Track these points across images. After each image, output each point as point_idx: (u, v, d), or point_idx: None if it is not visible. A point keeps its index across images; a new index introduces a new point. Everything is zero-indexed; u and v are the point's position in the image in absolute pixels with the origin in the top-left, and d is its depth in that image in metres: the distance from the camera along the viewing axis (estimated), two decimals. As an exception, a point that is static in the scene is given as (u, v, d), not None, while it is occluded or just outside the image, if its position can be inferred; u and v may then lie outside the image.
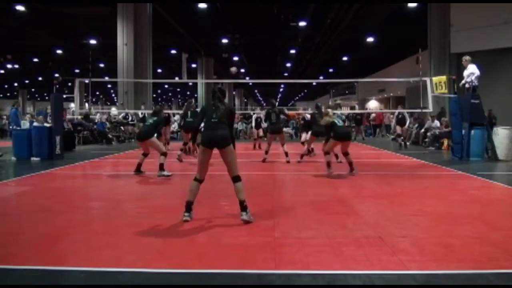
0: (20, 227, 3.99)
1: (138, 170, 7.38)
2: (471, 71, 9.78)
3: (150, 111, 10.79)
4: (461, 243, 3.46)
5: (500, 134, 9.83)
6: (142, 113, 16.25)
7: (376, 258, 3.05)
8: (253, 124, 14.96)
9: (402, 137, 13.45)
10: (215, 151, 4.23)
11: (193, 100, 10.79)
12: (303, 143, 10.85)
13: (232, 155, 4.19)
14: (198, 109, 12.61)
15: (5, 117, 25.48)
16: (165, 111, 13.72)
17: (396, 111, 15.00)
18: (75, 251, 3.29)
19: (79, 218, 4.38)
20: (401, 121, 13.70)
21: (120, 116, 17.97)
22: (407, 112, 14.52)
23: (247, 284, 2.65)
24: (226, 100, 4.50)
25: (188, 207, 4.16)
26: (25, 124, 11.47)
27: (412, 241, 3.49)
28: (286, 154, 9.31)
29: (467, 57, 9.99)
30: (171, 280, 2.73)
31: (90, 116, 16.92)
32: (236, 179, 4.14)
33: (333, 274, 2.76)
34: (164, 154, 7.29)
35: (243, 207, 4.07)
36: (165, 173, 7.13)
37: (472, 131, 9.72)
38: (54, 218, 4.34)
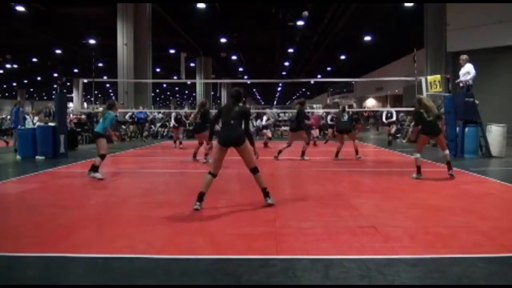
0: (37, 220, 4.23)
1: (96, 169, 6.83)
2: (467, 70, 10.01)
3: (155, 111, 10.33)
4: (449, 232, 3.71)
5: (493, 131, 10.07)
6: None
7: (369, 245, 3.31)
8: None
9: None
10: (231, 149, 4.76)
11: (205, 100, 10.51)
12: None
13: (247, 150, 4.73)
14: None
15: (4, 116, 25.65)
16: (175, 111, 14.48)
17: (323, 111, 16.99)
18: (91, 241, 3.55)
19: (91, 212, 4.63)
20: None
21: (127, 116, 18.20)
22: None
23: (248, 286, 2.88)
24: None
25: (200, 197, 4.60)
26: (28, 124, 11.67)
27: (404, 230, 3.75)
28: (357, 151, 9.81)
29: (465, 56, 10.21)
30: (183, 265, 2.97)
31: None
32: (254, 170, 4.75)
33: (329, 259, 3.01)
34: (102, 156, 6.86)
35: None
36: (98, 175, 6.69)
37: (466, 129, 9.98)
38: (67, 213, 4.58)
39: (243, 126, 4.77)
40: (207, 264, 2.99)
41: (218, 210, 4.66)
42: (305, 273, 2.78)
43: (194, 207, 4.50)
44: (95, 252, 3.18)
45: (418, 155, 6.91)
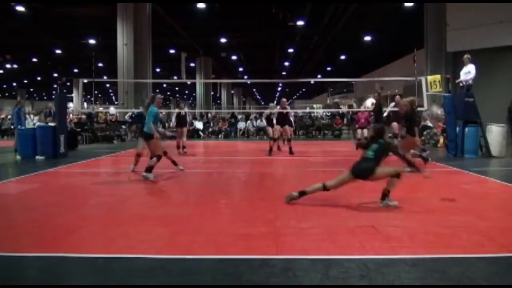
0: (37, 220, 4.23)
1: (149, 170, 6.63)
2: (469, 70, 10.02)
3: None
4: (449, 232, 3.71)
5: (493, 131, 10.08)
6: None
7: (369, 245, 3.31)
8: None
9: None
10: None
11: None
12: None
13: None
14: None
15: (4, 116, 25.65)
16: (182, 110, 11.68)
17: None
18: (91, 241, 3.55)
19: (91, 212, 4.63)
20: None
21: (127, 116, 18.23)
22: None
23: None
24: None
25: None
26: (28, 124, 11.68)
27: (404, 230, 3.74)
28: None
29: (468, 56, 10.22)
30: (182, 265, 2.97)
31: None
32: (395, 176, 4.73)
33: (329, 259, 3.01)
34: (158, 157, 6.53)
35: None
36: (150, 176, 6.42)
37: (466, 129, 9.98)
38: (67, 212, 4.58)
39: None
40: (207, 264, 2.99)
41: (218, 210, 4.66)
42: (305, 273, 2.78)
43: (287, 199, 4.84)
44: (95, 252, 3.18)
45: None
